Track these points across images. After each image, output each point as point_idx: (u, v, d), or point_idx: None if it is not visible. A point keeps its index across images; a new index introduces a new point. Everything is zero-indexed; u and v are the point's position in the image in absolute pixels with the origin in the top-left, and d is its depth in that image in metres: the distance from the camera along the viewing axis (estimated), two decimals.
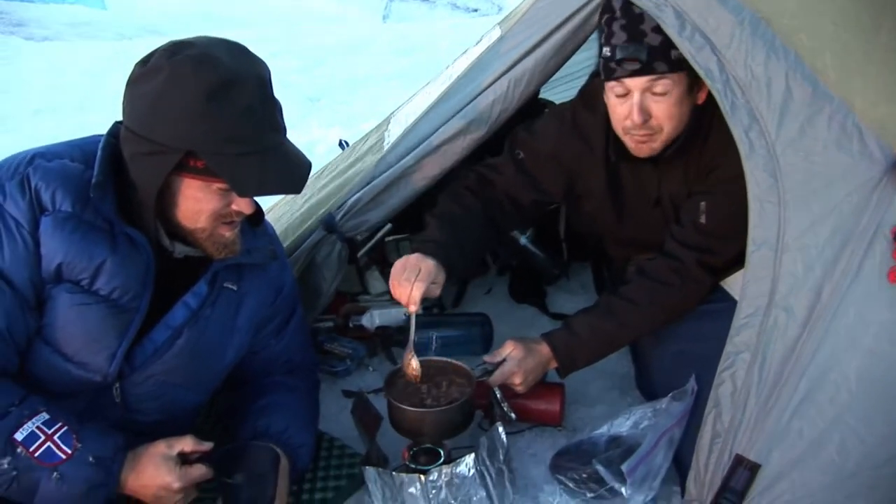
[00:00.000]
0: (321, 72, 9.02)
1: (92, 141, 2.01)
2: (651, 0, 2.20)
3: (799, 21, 2.08)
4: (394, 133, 2.81)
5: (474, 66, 2.67)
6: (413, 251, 2.39)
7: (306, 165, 1.94)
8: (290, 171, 1.90)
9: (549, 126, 2.67)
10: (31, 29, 21.32)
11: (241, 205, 1.93)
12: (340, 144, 3.48)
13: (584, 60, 3.61)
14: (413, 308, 2.27)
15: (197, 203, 1.90)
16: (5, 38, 16.56)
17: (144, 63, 1.84)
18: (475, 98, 2.56)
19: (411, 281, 2.26)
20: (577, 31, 2.44)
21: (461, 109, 2.58)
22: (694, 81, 2.29)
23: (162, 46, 1.85)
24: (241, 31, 14.73)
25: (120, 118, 1.90)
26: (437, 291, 2.34)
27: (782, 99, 2.00)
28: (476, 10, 27.49)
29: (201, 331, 2.08)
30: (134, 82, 1.85)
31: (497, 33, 2.73)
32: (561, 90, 3.57)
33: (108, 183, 1.91)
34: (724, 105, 2.05)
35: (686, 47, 2.12)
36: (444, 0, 29.22)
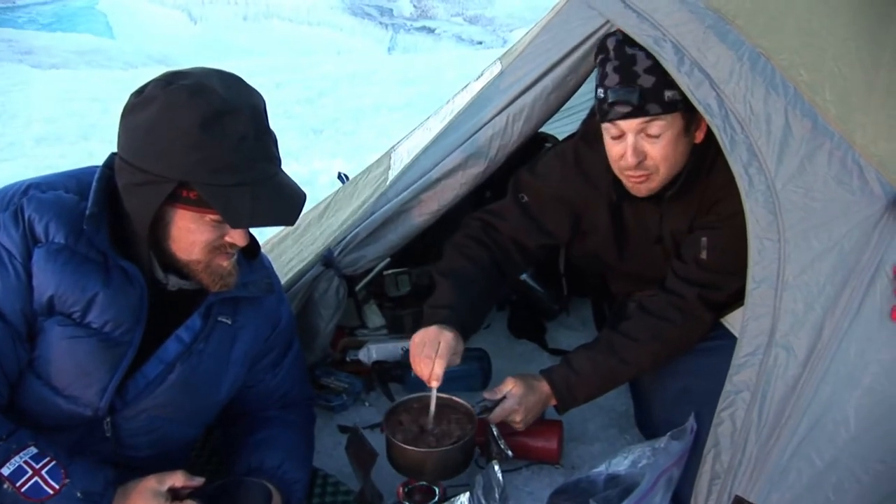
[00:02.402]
0: (325, 102, 9.04)
1: (88, 172, 1.99)
2: (650, 35, 2.20)
3: (799, 56, 2.07)
4: (395, 170, 2.80)
5: (474, 102, 2.66)
6: (427, 318, 2.41)
7: (300, 197, 1.92)
8: (284, 203, 1.88)
9: (551, 166, 2.66)
10: (39, 57, 21.51)
11: (235, 236, 1.91)
12: (340, 177, 3.46)
13: (589, 93, 3.59)
14: (435, 384, 2.28)
15: (190, 234, 1.89)
16: (14, 66, 16.71)
17: (139, 93, 1.84)
18: (474, 133, 2.55)
19: (432, 357, 2.27)
20: (577, 66, 2.43)
21: (460, 145, 2.57)
22: (690, 121, 2.29)
23: (157, 77, 1.85)
24: (247, 60, 14.83)
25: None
26: (457, 360, 2.35)
27: (782, 135, 1.99)
28: (481, 43, 27.70)
29: (194, 365, 2.05)
30: (129, 112, 1.84)
31: (498, 68, 2.72)
32: (563, 123, 3.55)
33: (103, 214, 1.90)
34: (723, 141, 2.04)
35: (685, 82, 2.11)
36: (449, 33, 29.46)
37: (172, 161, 1.77)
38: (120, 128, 1.86)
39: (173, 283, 2.01)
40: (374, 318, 3.18)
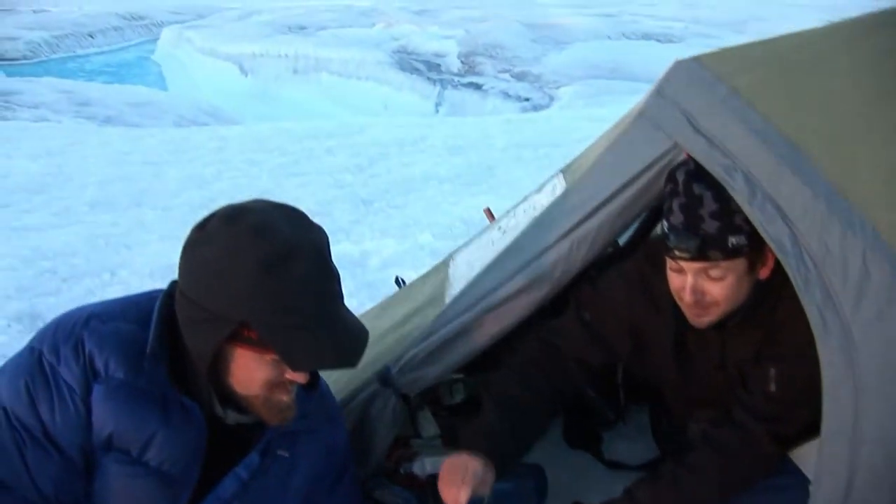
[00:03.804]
0: (375, 171, 9.12)
1: (148, 299, 1.99)
2: (720, 164, 2.14)
3: (878, 195, 1.98)
4: (454, 284, 2.76)
5: (537, 223, 2.61)
6: (465, 439, 2.41)
7: (362, 338, 1.89)
8: (346, 345, 1.85)
9: (615, 285, 2.63)
10: (95, 108, 22.14)
11: (296, 375, 1.89)
12: (397, 281, 3.45)
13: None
14: None
15: (250, 372, 1.86)
16: (72, 123, 17.15)
17: (202, 227, 1.83)
18: (538, 257, 2.50)
19: (458, 484, 2.25)
20: (644, 190, 2.37)
21: (523, 268, 2.52)
22: (756, 261, 2.25)
23: (220, 211, 1.84)
24: (296, 121, 15.05)
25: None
26: (485, 490, 2.31)
27: (859, 278, 1.89)
28: (528, 100, 27.87)
29: (252, 501, 2.01)
30: (191, 247, 1.83)
31: (560, 184, 2.68)
32: None
33: (163, 349, 1.89)
34: (796, 280, 1.97)
35: (756, 217, 2.05)
36: (496, 89, 29.66)
37: (233, 302, 1.76)
38: (181, 260, 1.85)
39: (232, 417, 1.98)
40: (429, 426, 3.12)
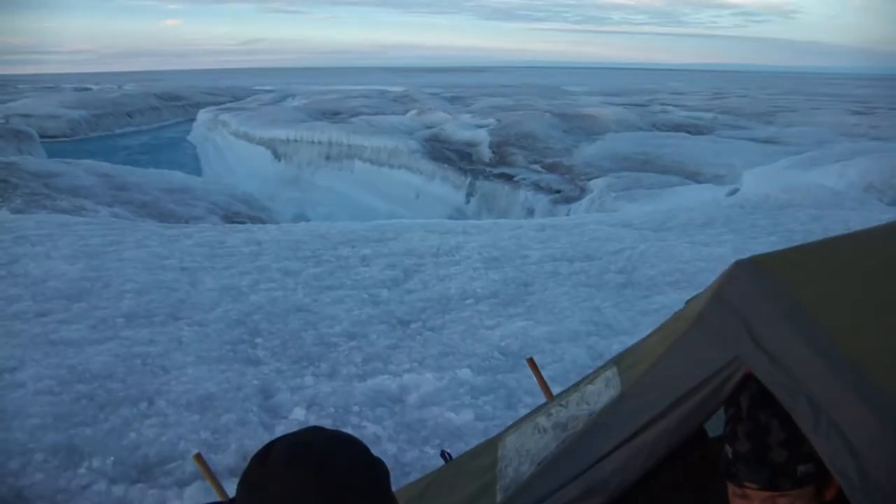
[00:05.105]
0: (411, 285, 9.11)
1: None
2: (782, 384, 2.08)
3: None
4: (506, 474, 2.72)
5: (592, 426, 2.56)
6: None
7: None
8: None
9: (667, 491, 2.57)
10: (131, 193, 22.54)
11: None
12: (443, 455, 3.41)
13: None
14: None
15: None
16: (109, 216, 17.37)
17: (262, 463, 1.80)
18: (592, 465, 2.45)
19: None
20: (703, 405, 2.31)
21: (577, 475, 2.47)
22: (823, 485, 2.17)
23: (280, 446, 1.82)
24: (330, 222, 15.17)
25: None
26: None
27: None
28: (559, 192, 27.98)
29: None
30: (251, 483, 1.81)
31: (614, 378, 2.64)
32: None
33: None
34: None
35: (821, 446, 1.99)
36: (528, 180, 29.84)
37: None
38: (241, 493, 1.83)
39: None
40: None
